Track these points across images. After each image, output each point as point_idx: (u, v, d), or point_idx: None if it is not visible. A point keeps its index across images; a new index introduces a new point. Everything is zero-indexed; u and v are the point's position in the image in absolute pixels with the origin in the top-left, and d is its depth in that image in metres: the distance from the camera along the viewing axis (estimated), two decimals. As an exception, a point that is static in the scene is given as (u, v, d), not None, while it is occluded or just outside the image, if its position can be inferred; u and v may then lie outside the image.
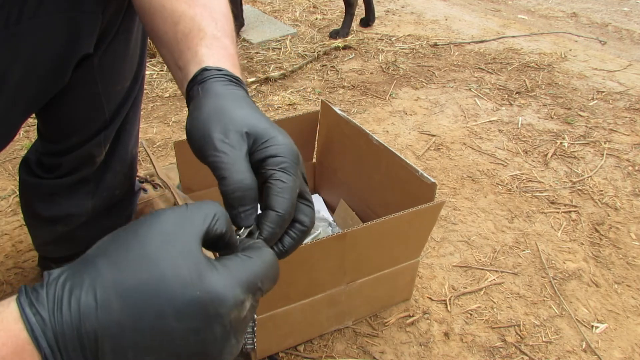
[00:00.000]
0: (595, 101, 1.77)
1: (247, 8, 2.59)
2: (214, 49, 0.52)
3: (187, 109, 0.51)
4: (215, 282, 0.33)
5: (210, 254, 0.41)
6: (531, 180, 1.35)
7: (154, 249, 0.33)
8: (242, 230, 0.42)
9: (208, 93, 0.48)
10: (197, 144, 0.45)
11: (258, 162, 0.44)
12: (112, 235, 0.35)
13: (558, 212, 1.24)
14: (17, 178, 0.92)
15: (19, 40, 0.62)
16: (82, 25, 0.68)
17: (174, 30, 0.55)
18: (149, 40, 0.93)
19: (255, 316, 0.45)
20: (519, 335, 0.92)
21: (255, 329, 0.46)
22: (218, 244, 0.38)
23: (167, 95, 1.77)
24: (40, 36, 0.64)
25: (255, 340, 0.47)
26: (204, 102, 0.47)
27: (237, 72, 0.52)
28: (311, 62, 2.05)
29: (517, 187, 1.32)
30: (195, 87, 0.50)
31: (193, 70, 0.51)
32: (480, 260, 1.09)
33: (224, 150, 0.43)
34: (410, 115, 1.67)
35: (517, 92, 1.82)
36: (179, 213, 0.35)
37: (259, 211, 0.44)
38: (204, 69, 0.50)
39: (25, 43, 0.63)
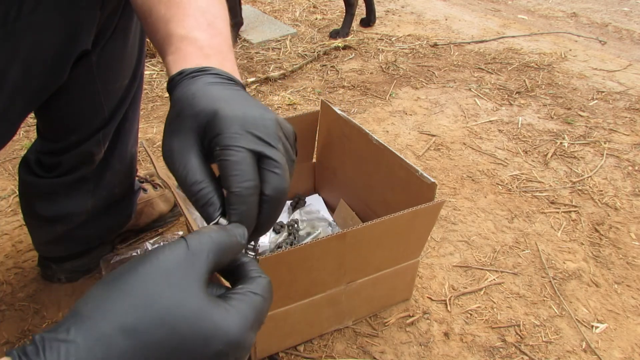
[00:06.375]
0: (595, 101, 1.77)
1: (247, 8, 2.59)
2: (179, 53, 0.51)
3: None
4: (231, 327, 0.33)
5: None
6: (531, 180, 1.35)
7: (158, 289, 0.32)
8: (211, 224, 0.42)
9: (171, 103, 0.49)
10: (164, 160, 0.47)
11: (211, 147, 0.44)
12: (104, 278, 0.34)
13: (558, 212, 1.23)
14: (17, 178, 0.92)
15: (17, 38, 0.62)
16: (80, 21, 0.68)
17: (157, 38, 0.55)
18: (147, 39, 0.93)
19: None
20: (519, 335, 0.92)
21: None
22: (227, 272, 0.39)
23: (167, 95, 1.76)
24: (38, 33, 0.64)
25: None
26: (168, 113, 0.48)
27: (202, 60, 0.50)
28: (311, 62, 2.04)
29: (517, 187, 1.32)
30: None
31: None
32: (480, 260, 1.09)
33: (172, 160, 0.45)
34: (410, 115, 1.67)
35: (517, 92, 1.82)
36: (180, 255, 0.34)
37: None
38: (170, 80, 0.50)
39: (24, 40, 0.63)
